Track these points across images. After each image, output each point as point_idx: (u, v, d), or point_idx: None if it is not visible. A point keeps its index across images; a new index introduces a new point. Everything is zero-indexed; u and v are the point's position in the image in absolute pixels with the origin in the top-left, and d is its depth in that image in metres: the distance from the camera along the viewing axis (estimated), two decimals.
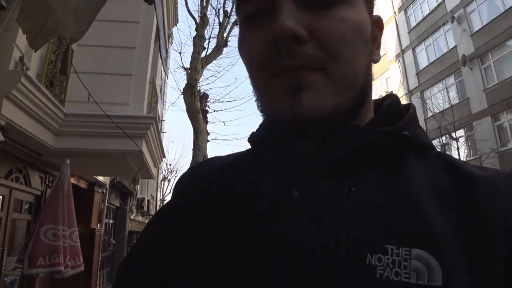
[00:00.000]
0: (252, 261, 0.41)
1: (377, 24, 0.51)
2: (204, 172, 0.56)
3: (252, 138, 0.53)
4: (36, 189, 4.91)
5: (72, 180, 5.41)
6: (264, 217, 0.44)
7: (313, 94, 0.41)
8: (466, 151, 14.99)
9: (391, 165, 0.44)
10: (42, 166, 4.89)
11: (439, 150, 0.48)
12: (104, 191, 7.42)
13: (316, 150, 0.45)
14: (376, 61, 0.50)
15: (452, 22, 15.67)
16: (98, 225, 7.10)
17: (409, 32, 18.75)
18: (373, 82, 0.51)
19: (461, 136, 14.91)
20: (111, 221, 8.85)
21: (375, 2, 0.51)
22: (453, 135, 14.34)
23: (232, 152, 0.62)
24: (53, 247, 3.13)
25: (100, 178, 6.70)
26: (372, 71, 0.50)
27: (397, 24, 19.42)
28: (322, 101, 0.41)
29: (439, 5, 16.85)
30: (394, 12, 19.79)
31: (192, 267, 0.44)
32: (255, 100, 0.48)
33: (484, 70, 14.45)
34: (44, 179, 5.09)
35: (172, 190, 0.59)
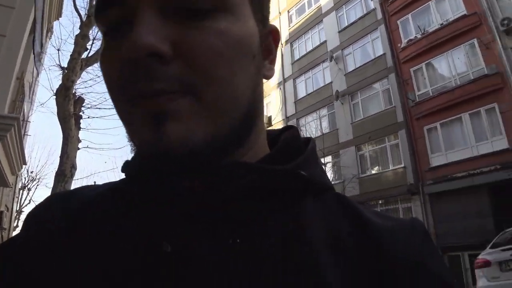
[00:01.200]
0: None
1: (272, 34, 0.44)
2: (63, 208, 0.44)
3: (125, 169, 0.43)
4: None
5: None
6: (128, 276, 0.35)
7: (179, 124, 0.33)
8: (332, 175, 16.74)
9: (284, 210, 0.39)
10: None
11: (338, 192, 0.45)
12: None
13: (192, 192, 0.37)
14: (269, 77, 0.43)
15: (331, 61, 17.68)
16: None
17: (292, 64, 20.43)
18: None
19: (329, 162, 16.67)
20: None
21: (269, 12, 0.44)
22: (322, 160, 15.91)
23: (103, 182, 0.50)
24: None
25: None
26: (263, 89, 0.43)
27: (282, 55, 20.92)
28: (191, 131, 0.34)
29: (321, 44, 18.84)
30: (281, 44, 21.29)
31: None
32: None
33: (353, 106, 16.52)
34: None
35: (22, 223, 0.46)
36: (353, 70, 16.76)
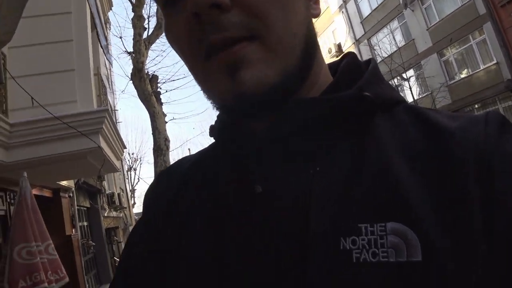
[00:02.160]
0: (223, 269, 0.39)
1: None
2: (167, 182, 0.53)
3: (211, 132, 0.50)
4: None
5: (35, 191, 5.12)
6: (230, 219, 0.42)
7: (252, 69, 0.37)
8: (418, 89, 15.63)
9: (356, 133, 0.40)
10: None
11: (409, 103, 0.45)
12: (71, 194, 7.12)
13: (271, 133, 0.41)
14: (316, 16, 0.45)
15: None
16: (73, 230, 6.85)
17: None
18: (319, 37, 0.46)
19: (412, 76, 15.55)
20: (85, 223, 8.59)
21: None
22: (404, 76, 14.88)
23: (197, 150, 0.58)
24: (32, 266, 2.98)
25: (64, 182, 6.41)
26: (314, 27, 0.45)
27: None
28: (264, 72, 0.37)
29: None
30: None
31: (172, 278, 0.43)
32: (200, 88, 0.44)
33: (425, 10, 14.89)
34: (4, 198, 4.76)
35: (142, 205, 0.57)
36: None
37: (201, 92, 0.44)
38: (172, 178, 0.53)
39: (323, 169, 0.39)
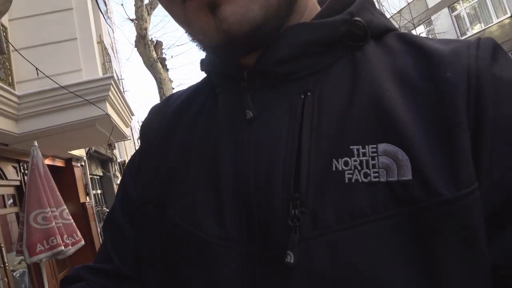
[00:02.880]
0: (220, 193, 0.41)
1: None
2: (163, 114, 0.54)
3: (202, 66, 0.50)
4: (13, 180, 4.77)
5: (47, 161, 5.26)
6: (224, 145, 0.43)
7: (234, 3, 0.36)
8: None
9: (348, 58, 0.41)
10: (12, 156, 4.70)
11: (400, 31, 0.44)
12: (83, 164, 7.29)
13: (262, 61, 0.41)
14: None
15: None
16: (87, 197, 7.07)
17: None
18: None
19: (422, 33, 15.04)
20: (99, 191, 8.83)
21: None
22: (414, 32, 14.43)
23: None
24: (47, 231, 3.12)
25: (75, 152, 6.54)
26: None
27: None
28: (246, 7, 0.36)
29: None
30: None
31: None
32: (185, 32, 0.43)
33: None
34: (18, 168, 4.92)
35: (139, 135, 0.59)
36: None
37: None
38: (166, 110, 0.54)
39: (314, 93, 0.39)
